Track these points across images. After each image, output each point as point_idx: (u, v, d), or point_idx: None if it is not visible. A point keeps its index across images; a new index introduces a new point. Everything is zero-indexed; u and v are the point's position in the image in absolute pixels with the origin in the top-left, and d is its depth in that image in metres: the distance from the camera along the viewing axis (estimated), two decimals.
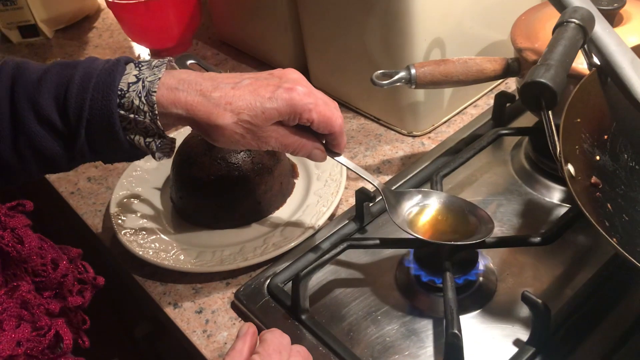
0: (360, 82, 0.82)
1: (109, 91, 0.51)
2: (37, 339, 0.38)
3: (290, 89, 0.53)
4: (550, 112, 0.50)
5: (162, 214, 0.73)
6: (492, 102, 0.80)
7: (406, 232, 0.57)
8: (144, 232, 0.70)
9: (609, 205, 0.53)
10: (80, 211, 0.78)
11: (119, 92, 0.52)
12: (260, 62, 1.00)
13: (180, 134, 0.79)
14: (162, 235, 0.70)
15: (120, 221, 0.71)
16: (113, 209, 0.72)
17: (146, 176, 0.78)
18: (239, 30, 1.01)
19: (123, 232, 0.69)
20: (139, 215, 0.72)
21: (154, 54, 1.07)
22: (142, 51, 1.10)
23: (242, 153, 0.69)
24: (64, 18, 1.17)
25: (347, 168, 0.60)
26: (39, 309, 0.40)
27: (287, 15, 0.89)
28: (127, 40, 1.13)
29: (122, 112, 0.52)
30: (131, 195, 0.75)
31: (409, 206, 0.60)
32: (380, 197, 0.61)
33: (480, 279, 0.61)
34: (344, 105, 0.87)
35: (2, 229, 0.40)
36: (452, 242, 0.57)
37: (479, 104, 0.85)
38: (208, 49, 1.07)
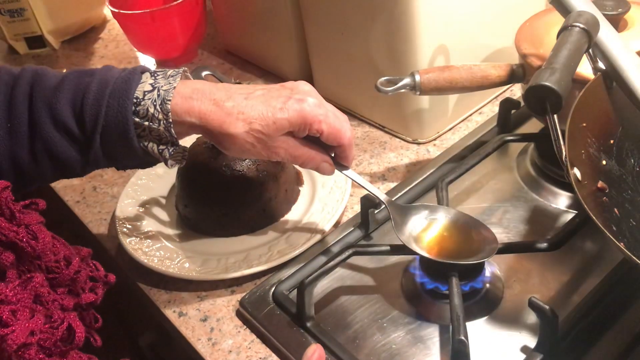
0: (365, 90, 0.82)
1: (125, 99, 0.52)
2: (50, 330, 0.38)
3: (301, 100, 0.54)
4: (555, 116, 0.50)
5: (167, 222, 0.73)
6: (497, 109, 0.79)
7: (412, 249, 0.57)
8: (149, 241, 0.70)
9: (616, 210, 0.53)
10: (85, 220, 0.78)
11: (135, 100, 0.53)
12: (265, 72, 1.00)
13: (184, 142, 0.79)
14: (167, 243, 0.70)
15: (125, 229, 0.71)
16: (118, 218, 0.72)
17: (151, 184, 0.78)
18: (244, 39, 1.02)
19: (128, 240, 0.69)
20: (144, 223, 0.72)
21: (160, 63, 1.07)
22: (147, 61, 1.10)
23: (247, 160, 0.69)
24: (70, 29, 1.18)
25: (355, 182, 0.61)
26: (53, 305, 0.40)
27: (292, 24, 0.89)
28: (132, 51, 1.14)
29: (137, 119, 0.53)
30: (136, 203, 0.75)
31: (415, 222, 0.60)
32: (382, 202, 0.61)
33: (487, 285, 0.60)
34: (349, 113, 0.87)
35: (17, 225, 0.41)
36: (456, 262, 0.56)
37: (484, 110, 0.85)
38: (213, 58, 1.07)
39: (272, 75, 0.99)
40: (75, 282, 0.45)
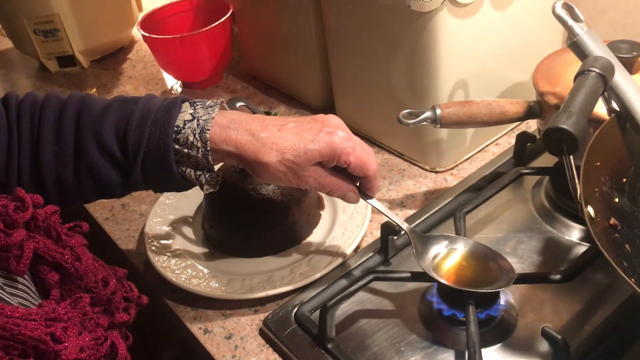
0: (386, 119, 0.85)
1: (167, 127, 0.56)
2: (96, 347, 0.41)
3: (331, 132, 0.58)
4: (571, 157, 0.52)
5: (194, 242, 0.76)
6: (513, 140, 0.82)
7: (431, 276, 0.60)
8: (177, 259, 0.73)
9: (627, 246, 0.55)
10: (114, 236, 0.81)
11: (175, 128, 0.57)
12: (288, 97, 1.04)
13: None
14: (194, 262, 0.73)
15: (154, 247, 0.74)
16: (147, 235, 0.75)
17: (179, 204, 0.81)
18: (269, 65, 1.05)
19: (156, 258, 0.72)
20: (171, 242, 0.75)
21: (186, 86, 1.11)
22: (173, 83, 1.14)
23: (272, 185, 0.72)
24: (99, 49, 1.23)
25: (379, 211, 0.63)
26: (90, 323, 0.43)
27: (316, 52, 0.93)
28: (159, 72, 1.18)
29: (177, 146, 0.57)
30: (165, 222, 0.78)
31: (435, 251, 0.63)
32: (405, 231, 0.64)
33: (502, 313, 0.63)
34: (369, 140, 0.90)
35: (62, 247, 0.44)
36: (474, 290, 0.59)
37: (500, 142, 0.88)
38: (238, 82, 1.11)
39: (294, 100, 1.03)
40: (111, 303, 0.48)
